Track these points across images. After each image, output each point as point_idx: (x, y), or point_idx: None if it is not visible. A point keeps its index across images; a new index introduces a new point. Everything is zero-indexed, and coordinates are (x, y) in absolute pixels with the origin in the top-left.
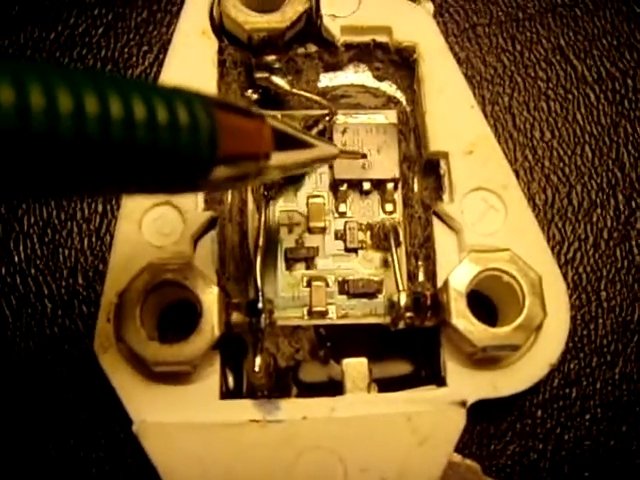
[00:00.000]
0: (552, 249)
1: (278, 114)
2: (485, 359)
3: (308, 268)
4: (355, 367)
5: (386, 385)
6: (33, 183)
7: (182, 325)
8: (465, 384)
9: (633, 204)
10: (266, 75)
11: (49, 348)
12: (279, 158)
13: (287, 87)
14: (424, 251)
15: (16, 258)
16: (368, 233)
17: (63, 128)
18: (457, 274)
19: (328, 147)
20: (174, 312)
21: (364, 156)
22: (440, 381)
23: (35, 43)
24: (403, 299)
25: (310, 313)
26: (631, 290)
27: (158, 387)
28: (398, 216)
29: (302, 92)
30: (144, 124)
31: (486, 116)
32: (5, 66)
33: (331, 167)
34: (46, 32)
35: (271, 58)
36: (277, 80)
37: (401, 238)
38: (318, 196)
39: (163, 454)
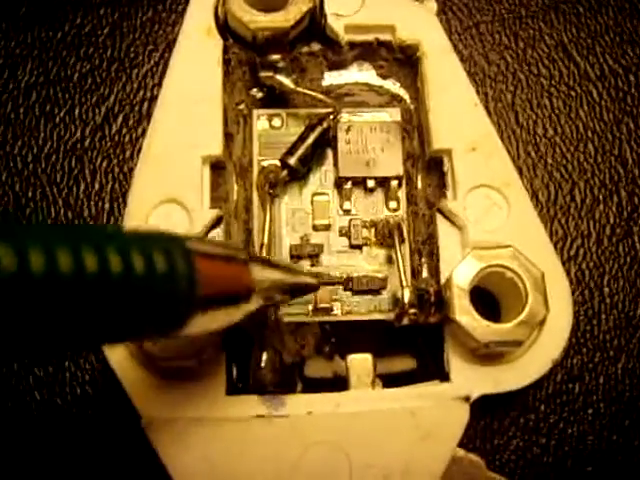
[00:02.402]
0: (555, 245)
1: (283, 112)
2: (488, 355)
3: (313, 265)
4: (360, 363)
5: (390, 380)
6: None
7: None
8: (468, 379)
9: (636, 200)
10: (270, 74)
11: None
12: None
13: (291, 86)
14: (428, 248)
15: None
16: (372, 230)
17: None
18: (460, 271)
19: (310, 278)
20: None
21: (340, 283)
22: (444, 376)
23: (42, 43)
24: (407, 295)
25: (315, 310)
26: (634, 286)
27: (166, 383)
28: (402, 213)
29: (306, 90)
30: (119, 276)
31: (489, 113)
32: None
33: (336, 165)
34: (53, 32)
35: (275, 57)
36: (281, 79)
37: (405, 235)
38: (323, 194)
39: (171, 449)
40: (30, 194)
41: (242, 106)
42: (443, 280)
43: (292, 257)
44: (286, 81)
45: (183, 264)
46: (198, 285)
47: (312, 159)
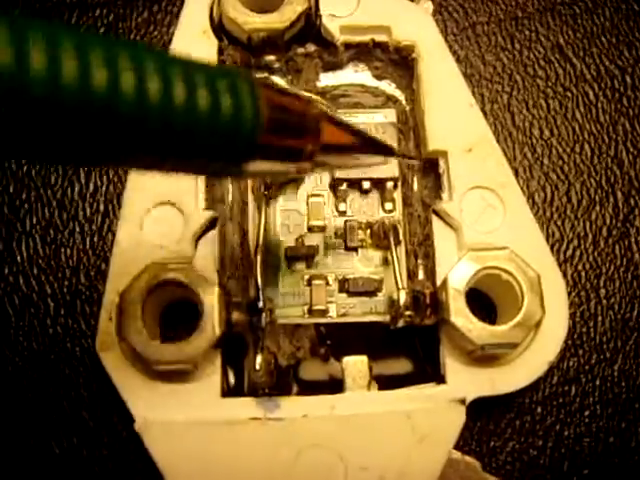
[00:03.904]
0: (551, 247)
1: None
2: (484, 357)
3: (308, 267)
4: (355, 365)
5: (386, 383)
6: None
7: (183, 324)
8: (464, 382)
9: (632, 201)
10: (266, 75)
11: (51, 347)
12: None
13: (287, 87)
14: (423, 249)
15: (19, 258)
16: (368, 232)
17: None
18: (456, 272)
19: (383, 147)
20: (175, 311)
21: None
22: (440, 379)
23: None
24: (403, 297)
25: (310, 311)
26: (630, 287)
27: (160, 385)
28: (398, 215)
29: (302, 92)
30: (184, 105)
31: (485, 115)
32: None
33: None
34: None
35: (271, 58)
36: (277, 80)
37: (401, 237)
38: (318, 195)
39: (165, 451)
40: (24, 196)
41: None
42: (439, 282)
43: (287, 259)
44: (281, 82)
45: (248, 95)
46: (262, 112)
47: None
